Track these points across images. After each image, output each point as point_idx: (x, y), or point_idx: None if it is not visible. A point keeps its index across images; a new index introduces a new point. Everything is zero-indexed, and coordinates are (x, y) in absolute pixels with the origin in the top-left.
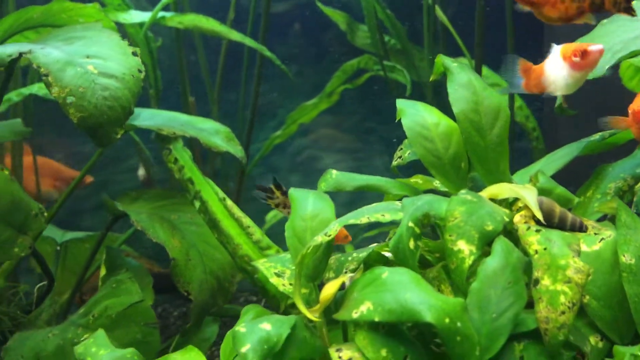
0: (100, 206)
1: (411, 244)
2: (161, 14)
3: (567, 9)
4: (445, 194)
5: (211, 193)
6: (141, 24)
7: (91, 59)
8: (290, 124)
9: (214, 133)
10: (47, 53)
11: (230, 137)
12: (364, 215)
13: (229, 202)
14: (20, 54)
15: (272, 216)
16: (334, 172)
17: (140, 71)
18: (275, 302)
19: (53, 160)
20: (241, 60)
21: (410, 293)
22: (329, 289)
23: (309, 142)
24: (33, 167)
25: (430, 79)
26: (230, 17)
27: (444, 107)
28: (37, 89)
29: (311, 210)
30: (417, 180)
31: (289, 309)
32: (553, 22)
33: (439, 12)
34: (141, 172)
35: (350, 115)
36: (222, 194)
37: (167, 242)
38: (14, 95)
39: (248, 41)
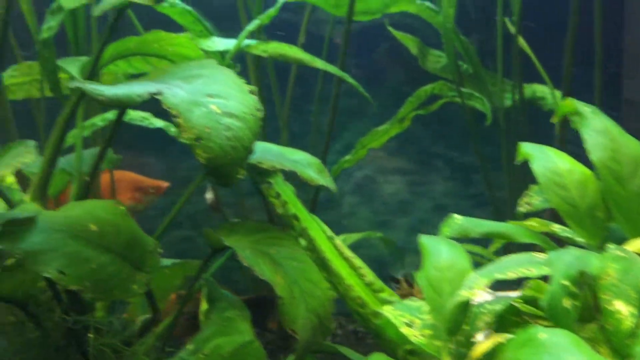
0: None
1: (566, 302)
2: (245, 42)
3: None
4: (577, 243)
5: (318, 231)
6: (223, 52)
7: (213, 99)
8: (359, 148)
9: (307, 165)
10: (174, 94)
11: (321, 169)
12: (508, 269)
13: (338, 241)
14: (151, 95)
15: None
16: (458, 217)
17: (258, 110)
18: (390, 346)
19: (128, 172)
20: (308, 84)
21: (571, 357)
22: (481, 348)
23: (372, 165)
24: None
25: (554, 120)
26: (301, 42)
27: (517, 134)
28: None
29: (446, 260)
30: (532, 223)
31: (408, 355)
32: None
33: (522, 42)
34: (209, 195)
35: (415, 140)
36: (330, 232)
37: (272, 280)
38: (98, 121)
39: (331, 68)
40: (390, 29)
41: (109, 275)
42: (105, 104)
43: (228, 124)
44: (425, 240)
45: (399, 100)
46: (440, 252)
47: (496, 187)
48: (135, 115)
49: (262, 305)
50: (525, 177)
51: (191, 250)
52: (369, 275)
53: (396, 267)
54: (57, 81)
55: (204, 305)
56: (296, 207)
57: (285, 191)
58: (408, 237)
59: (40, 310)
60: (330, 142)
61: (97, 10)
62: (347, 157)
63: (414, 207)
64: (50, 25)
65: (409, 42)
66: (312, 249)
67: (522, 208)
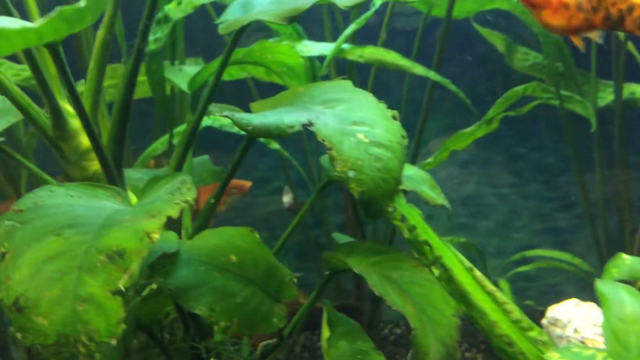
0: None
1: None
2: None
3: (570, 19)
4: None
5: (454, 260)
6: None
7: (359, 126)
8: (443, 150)
9: (421, 182)
10: (325, 123)
11: (433, 185)
12: None
13: (478, 273)
14: (302, 125)
15: None
16: (626, 257)
17: (404, 137)
18: None
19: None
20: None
21: None
22: None
23: (451, 165)
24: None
25: None
26: (382, 39)
27: (608, 134)
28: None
29: (630, 311)
30: None
31: None
32: (555, 31)
33: (633, 49)
34: (287, 198)
35: (496, 139)
36: (467, 263)
37: (404, 310)
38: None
39: (432, 75)
40: (476, 26)
41: (253, 310)
42: (253, 134)
43: (377, 155)
44: (604, 288)
45: (475, 97)
46: (623, 301)
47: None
48: (226, 122)
49: (348, 314)
50: (617, 179)
51: None
52: (516, 311)
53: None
54: (164, 93)
55: (325, 332)
56: (427, 233)
57: (412, 215)
58: (487, 240)
59: (163, 334)
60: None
61: (223, 29)
62: (430, 160)
63: (494, 210)
64: (157, 36)
65: (496, 39)
66: (449, 280)
67: None
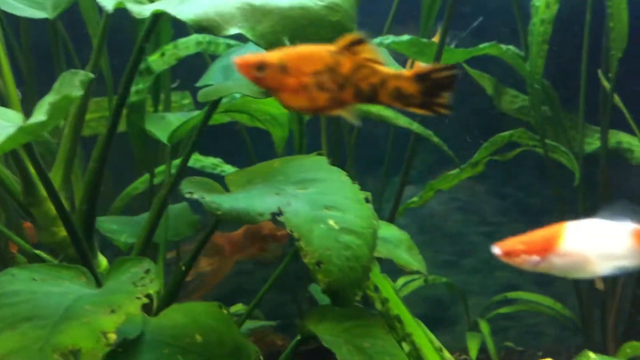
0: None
1: None
2: None
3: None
4: None
5: (424, 340)
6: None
7: (330, 211)
8: (428, 190)
9: (398, 243)
10: (296, 212)
11: (410, 246)
12: None
13: (447, 355)
14: (272, 215)
15: None
16: (592, 355)
17: (375, 221)
18: None
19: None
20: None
21: None
22: None
23: (440, 203)
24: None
25: None
26: None
27: (592, 177)
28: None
29: None
30: None
31: None
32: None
33: (617, 100)
34: None
35: (484, 178)
36: (437, 343)
37: None
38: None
39: (416, 127)
40: (466, 67)
41: None
42: (222, 219)
43: (347, 242)
44: None
45: (463, 131)
46: None
47: None
48: (207, 163)
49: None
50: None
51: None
52: None
53: (458, 309)
54: (143, 142)
55: None
56: (398, 308)
57: (385, 286)
58: (471, 278)
59: None
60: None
61: (201, 97)
62: (415, 199)
63: (479, 248)
64: (139, 88)
65: (485, 81)
66: (418, 358)
67: None
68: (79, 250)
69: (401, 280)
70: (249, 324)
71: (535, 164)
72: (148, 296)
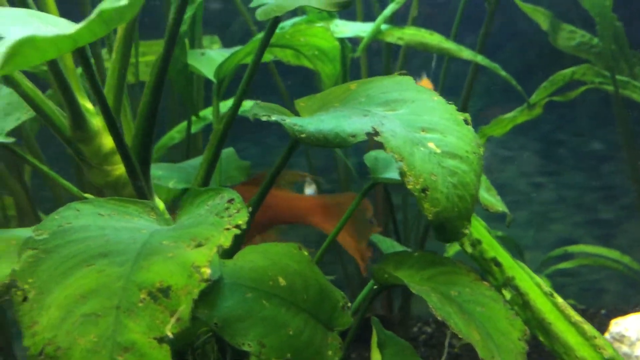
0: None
1: None
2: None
3: None
4: None
5: (530, 283)
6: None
7: (428, 134)
8: (480, 136)
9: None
10: (392, 132)
11: (489, 187)
12: None
13: (560, 300)
14: (367, 134)
15: None
16: None
17: (479, 146)
18: None
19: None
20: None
21: None
22: None
23: (489, 151)
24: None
25: None
26: (412, 15)
27: None
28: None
29: None
30: None
31: None
32: None
33: None
34: (309, 190)
35: (535, 125)
36: (546, 287)
37: (470, 336)
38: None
39: (480, 59)
40: (518, 2)
41: (306, 342)
42: (307, 143)
43: (451, 168)
44: None
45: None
46: None
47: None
48: (247, 107)
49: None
50: None
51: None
52: (608, 348)
53: None
54: (188, 81)
55: (376, 355)
56: (495, 250)
57: (475, 226)
58: (525, 232)
59: (196, 358)
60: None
61: (261, 15)
62: None
63: (533, 200)
64: (185, 17)
65: (539, 15)
66: (524, 306)
67: None
68: (137, 188)
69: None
70: None
71: (591, 108)
72: (237, 227)
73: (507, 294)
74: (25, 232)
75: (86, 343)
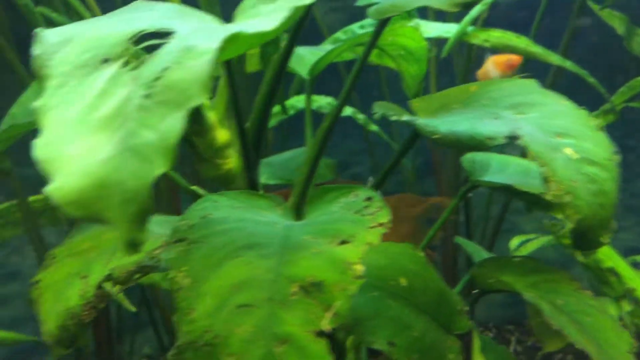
0: None
1: None
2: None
3: None
4: None
5: None
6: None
7: (562, 139)
8: None
9: None
10: (532, 136)
11: None
12: None
13: None
14: (504, 138)
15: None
16: None
17: (615, 153)
18: None
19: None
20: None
21: None
22: None
23: None
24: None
25: None
26: (482, 17)
27: None
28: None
29: None
30: None
31: None
32: None
33: None
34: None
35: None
36: None
37: (586, 346)
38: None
39: (569, 65)
40: (591, 4)
41: (430, 345)
42: (440, 144)
43: (590, 175)
44: None
45: (581, 84)
46: None
47: None
48: (323, 103)
49: None
50: None
51: None
52: None
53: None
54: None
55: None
56: (612, 260)
57: None
58: None
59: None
60: None
61: (374, 14)
62: None
63: None
64: None
65: (615, 20)
66: None
67: None
68: (251, 181)
69: (516, 241)
70: None
71: None
72: (382, 226)
73: (627, 307)
74: None
75: (243, 333)
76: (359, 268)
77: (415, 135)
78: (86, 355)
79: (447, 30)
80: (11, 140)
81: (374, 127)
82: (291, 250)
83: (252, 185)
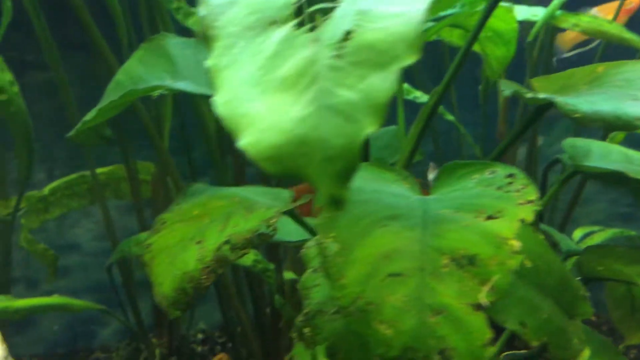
0: None
1: None
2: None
3: None
4: None
5: None
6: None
7: None
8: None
9: None
10: None
11: None
12: None
13: None
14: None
15: None
16: None
17: None
18: None
19: None
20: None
21: None
22: None
23: None
24: None
25: None
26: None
27: None
28: None
29: None
30: None
31: None
32: None
33: None
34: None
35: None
36: None
37: None
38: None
39: None
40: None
41: (558, 328)
42: (581, 123)
43: None
44: None
45: None
46: None
47: None
48: (418, 94)
49: None
50: None
51: None
52: None
53: None
54: None
55: (585, 351)
56: None
57: None
58: None
59: None
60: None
61: None
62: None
63: None
64: None
65: None
66: None
67: None
68: (365, 153)
69: (579, 232)
70: None
71: None
72: (531, 203)
73: None
74: (242, 191)
75: (395, 301)
76: (516, 244)
77: (535, 115)
78: (146, 327)
79: (535, 13)
80: (123, 106)
81: (449, 117)
82: (435, 223)
83: (365, 157)
